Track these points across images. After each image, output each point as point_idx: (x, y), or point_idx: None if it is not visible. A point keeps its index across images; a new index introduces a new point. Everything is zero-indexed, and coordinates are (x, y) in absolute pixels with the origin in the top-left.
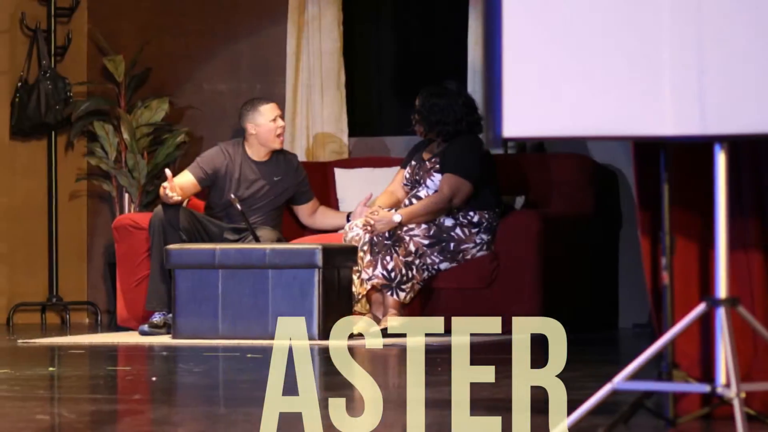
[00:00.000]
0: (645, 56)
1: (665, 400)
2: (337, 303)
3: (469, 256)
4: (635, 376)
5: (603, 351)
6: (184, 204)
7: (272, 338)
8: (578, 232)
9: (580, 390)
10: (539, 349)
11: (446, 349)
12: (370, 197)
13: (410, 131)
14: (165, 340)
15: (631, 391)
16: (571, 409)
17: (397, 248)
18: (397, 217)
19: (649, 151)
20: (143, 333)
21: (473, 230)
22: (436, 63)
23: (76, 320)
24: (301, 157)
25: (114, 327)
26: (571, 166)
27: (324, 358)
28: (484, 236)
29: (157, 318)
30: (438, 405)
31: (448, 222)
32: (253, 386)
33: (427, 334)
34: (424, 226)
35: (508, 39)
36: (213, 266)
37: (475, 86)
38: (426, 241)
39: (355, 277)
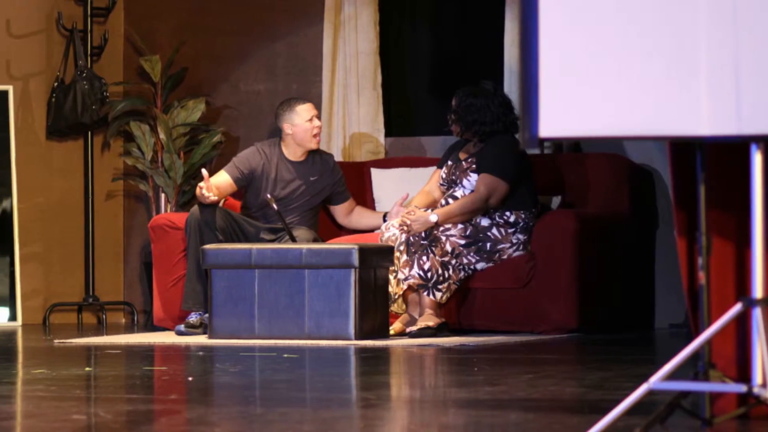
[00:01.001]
0: (682, 56)
1: (701, 400)
2: (373, 303)
3: (505, 256)
4: (671, 376)
5: (639, 351)
6: (221, 204)
7: (309, 338)
8: (614, 232)
9: (616, 390)
10: (575, 349)
11: (482, 350)
12: (406, 197)
13: (447, 131)
14: (201, 340)
15: (668, 391)
16: (607, 409)
17: (433, 248)
18: (433, 217)
19: (686, 151)
20: (179, 333)
21: (510, 230)
22: (471, 63)
23: (113, 320)
24: (338, 157)
25: (150, 327)
26: (607, 166)
27: (360, 358)
28: (521, 236)
29: (193, 318)
30: (474, 405)
31: (485, 222)
32: (289, 386)
33: (462, 334)
34: (460, 226)
35: (545, 39)
36: (249, 266)
37: (511, 86)
38: (462, 241)
39: (391, 277)
